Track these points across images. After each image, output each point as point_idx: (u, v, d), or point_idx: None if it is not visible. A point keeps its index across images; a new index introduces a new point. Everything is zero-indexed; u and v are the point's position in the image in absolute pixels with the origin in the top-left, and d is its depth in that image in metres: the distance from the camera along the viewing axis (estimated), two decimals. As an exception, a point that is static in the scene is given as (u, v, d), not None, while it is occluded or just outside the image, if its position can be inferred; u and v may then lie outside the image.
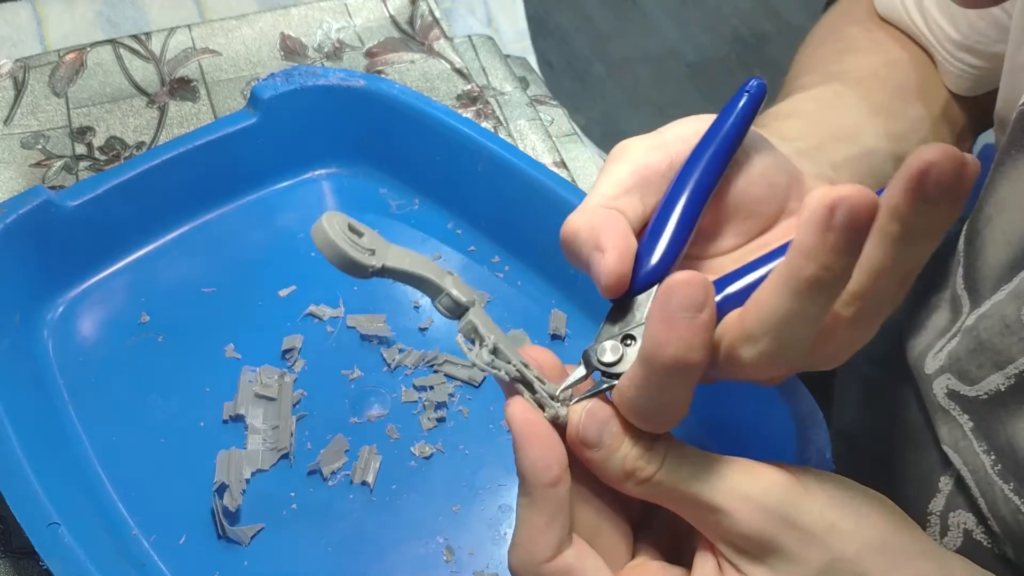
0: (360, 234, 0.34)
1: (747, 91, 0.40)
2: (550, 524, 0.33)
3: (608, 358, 0.36)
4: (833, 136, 0.50)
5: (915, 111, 0.57)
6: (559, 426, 0.35)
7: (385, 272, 0.34)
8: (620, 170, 0.39)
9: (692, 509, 0.34)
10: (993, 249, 0.50)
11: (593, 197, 0.39)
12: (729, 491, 0.33)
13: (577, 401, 0.36)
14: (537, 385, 0.35)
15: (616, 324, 0.37)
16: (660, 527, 0.38)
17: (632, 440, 0.34)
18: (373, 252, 0.34)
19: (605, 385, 0.36)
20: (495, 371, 0.35)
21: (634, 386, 0.33)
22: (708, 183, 0.39)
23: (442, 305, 0.36)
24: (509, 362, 0.35)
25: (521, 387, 0.35)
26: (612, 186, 0.39)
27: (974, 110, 0.62)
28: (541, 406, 0.35)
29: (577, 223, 0.38)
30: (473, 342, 0.36)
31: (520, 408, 0.34)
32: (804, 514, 0.33)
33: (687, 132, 0.40)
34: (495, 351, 0.35)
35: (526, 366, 0.36)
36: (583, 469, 0.35)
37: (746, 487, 0.33)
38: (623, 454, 0.34)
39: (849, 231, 0.28)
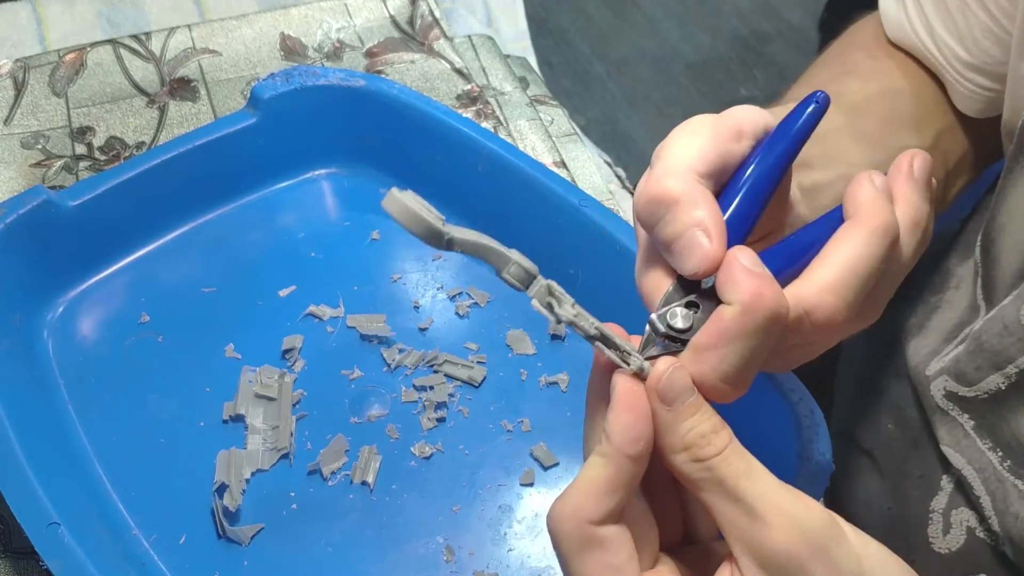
0: (428, 209, 0.35)
1: (815, 101, 0.40)
2: (612, 491, 0.33)
3: (680, 324, 0.35)
4: (811, 158, 0.49)
5: (901, 141, 0.56)
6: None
7: (454, 243, 0.35)
8: (705, 147, 0.38)
9: (731, 508, 0.33)
10: (1006, 258, 0.50)
11: (681, 163, 0.37)
12: (776, 504, 0.33)
13: (654, 358, 0.35)
14: (619, 341, 0.35)
15: (677, 293, 0.37)
16: (686, 558, 0.37)
17: (703, 414, 0.34)
18: (444, 222, 0.35)
19: (673, 350, 0.35)
20: (581, 325, 0.35)
21: (721, 343, 0.34)
22: (771, 184, 0.39)
23: (510, 275, 0.36)
24: (575, 323, 0.35)
25: (601, 344, 0.35)
26: (699, 160, 0.37)
27: (984, 136, 0.60)
28: (624, 361, 0.35)
29: (676, 191, 0.36)
30: (551, 306, 0.36)
31: (625, 377, 0.34)
32: (842, 553, 0.33)
33: (757, 127, 0.39)
34: (573, 319, 0.35)
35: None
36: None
37: (793, 508, 0.33)
38: (691, 424, 0.34)
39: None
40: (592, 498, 0.33)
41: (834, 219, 0.38)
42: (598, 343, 0.35)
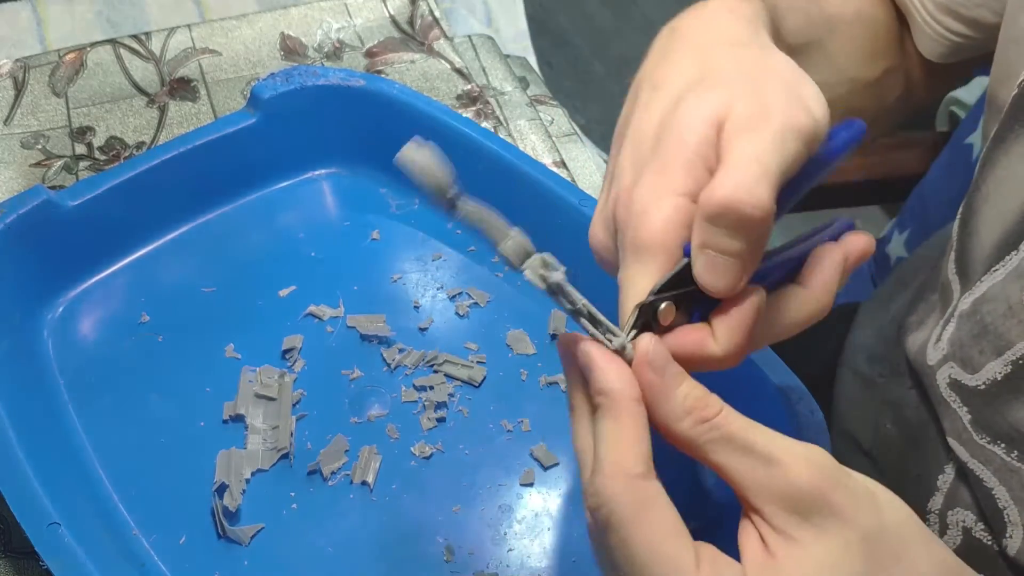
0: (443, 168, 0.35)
1: (856, 132, 0.41)
2: (642, 438, 0.33)
3: (666, 320, 0.37)
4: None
5: (853, 71, 0.56)
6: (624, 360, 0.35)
7: (458, 206, 0.35)
8: (791, 163, 0.37)
9: (747, 460, 0.33)
10: (987, 229, 0.49)
11: (772, 180, 0.36)
12: (786, 447, 0.33)
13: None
14: (604, 319, 0.36)
15: (667, 286, 0.37)
16: None
17: (691, 381, 0.35)
18: (456, 186, 0.35)
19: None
20: (569, 294, 0.36)
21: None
22: (790, 203, 0.40)
23: (506, 249, 0.36)
24: (574, 302, 0.36)
25: (586, 322, 0.36)
26: (779, 177, 0.36)
27: (931, 82, 0.61)
28: (608, 340, 0.35)
29: (764, 223, 0.36)
30: (544, 278, 0.36)
31: (597, 344, 0.35)
32: (852, 479, 0.33)
33: (823, 134, 0.39)
34: (563, 285, 0.36)
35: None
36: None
37: (802, 449, 0.33)
38: (686, 390, 0.34)
39: None
40: (628, 454, 0.33)
41: (798, 257, 0.40)
42: (583, 319, 0.36)
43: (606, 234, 0.41)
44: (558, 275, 0.35)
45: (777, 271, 0.40)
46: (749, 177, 0.35)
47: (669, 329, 0.37)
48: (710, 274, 0.36)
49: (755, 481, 0.33)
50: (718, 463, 0.34)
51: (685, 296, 0.37)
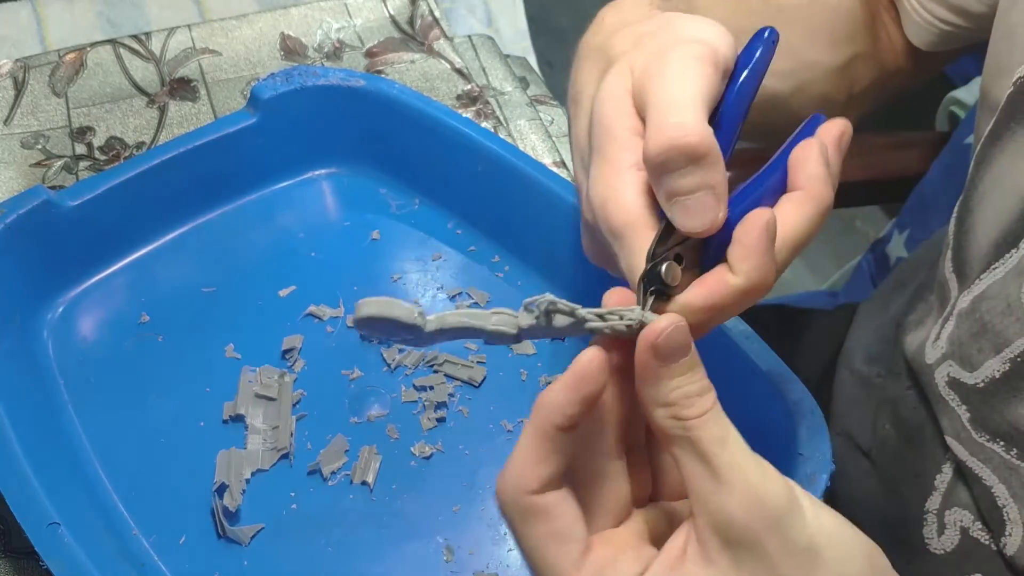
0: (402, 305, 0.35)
1: (767, 41, 0.41)
2: (546, 459, 0.34)
3: (671, 280, 0.36)
4: None
5: (815, 55, 0.56)
6: (629, 336, 0.35)
7: (429, 321, 0.36)
8: (709, 86, 0.37)
9: (699, 470, 0.33)
10: (984, 227, 0.49)
11: (696, 104, 0.36)
12: (742, 475, 0.33)
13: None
14: (604, 310, 0.35)
15: (660, 245, 0.37)
16: (651, 515, 0.37)
17: (695, 374, 0.34)
18: (421, 314, 0.35)
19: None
20: (582, 317, 0.35)
21: (715, 311, 0.36)
22: (741, 122, 0.40)
23: (497, 324, 0.36)
24: (574, 311, 0.35)
25: (594, 321, 0.35)
26: (706, 100, 0.37)
27: (916, 69, 0.61)
28: (626, 325, 0.35)
29: (704, 145, 0.35)
30: (537, 317, 0.35)
31: (590, 351, 0.34)
32: (796, 529, 0.33)
33: (729, 61, 0.40)
34: (555, 300, 0.35)
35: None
36: (622, 409, 0.36)
37: (757, 480, 0.33)
38: (679, 383, 0.34)
39: None
40: (527, 469, 0.34)
41: (780, 168, 0.39)
42: (591, 321, 0.35)
43: (592, 243, 0.42)
44: (545, 296, 0.35)
45: (767, 193, 0.39)
46: (670, 115, 0.35)
47: (681, 289, 0.37)
48: (687, 218, 0.36)
49: (699, 492, 0.33)
50: (675, 456, 0.34)
51: (689, 252, 0.37)
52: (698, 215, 0.36)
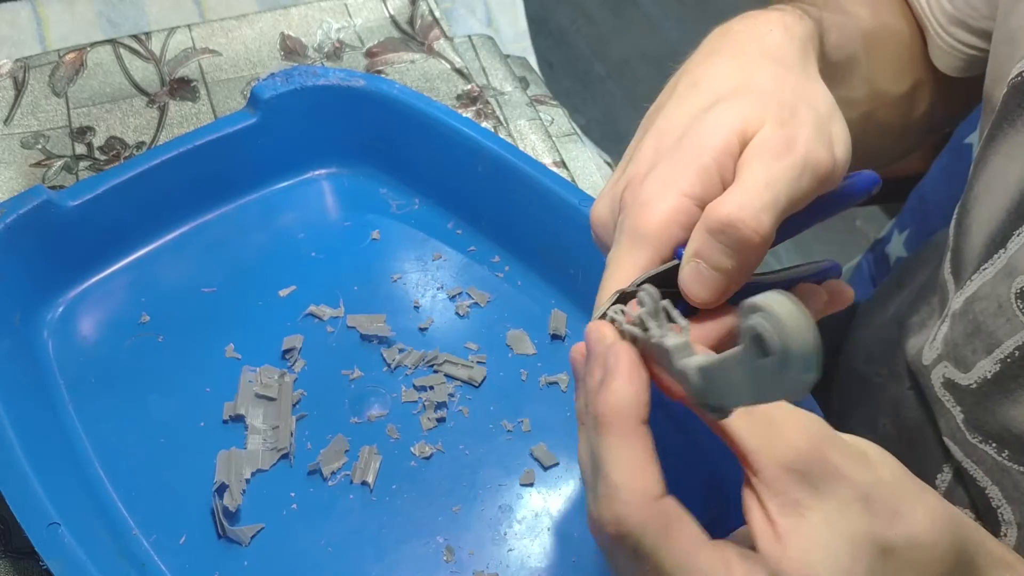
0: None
1: (872, 184, 0.42)
2: (650, 459, 0.33)
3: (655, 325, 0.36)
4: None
5: (881, 84, 0.56)
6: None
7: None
8: (800, 200, 0.38)
9: (747, 422, 0.33)
10: (978, 228, 0.50)
11: (778, 211, 0.37)
12: (782, 411, 0.34)
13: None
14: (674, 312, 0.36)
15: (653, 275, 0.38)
16: None
17: None
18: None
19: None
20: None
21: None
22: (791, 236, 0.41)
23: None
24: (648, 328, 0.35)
25: (654, 322, 0.35)
26: (792, 209, 0.38)
27: (950, 100, 0.60)
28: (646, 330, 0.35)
29: (758, 248, 0.36)
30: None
31: (624, 345, 0.34)
32: (842, 439, 0.34)
33: (838, 175, 0.40)
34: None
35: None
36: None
37: (794, 412, 0.34)
38: None
39: None
40: (643, 475, 0.32)
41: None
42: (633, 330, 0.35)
43: (608, 212, 0.41)
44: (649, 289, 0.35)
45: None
46: (757, 201, 0.35)
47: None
48: (695, 283, 0.37)
49: (757, 443, 0.33)
50: (726, 427, 0.34)
51: (664, 296, 0.37)
52: (705, 287, 0.37)
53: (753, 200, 0.36)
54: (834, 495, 0.33)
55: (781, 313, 0.26)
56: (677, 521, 0.32)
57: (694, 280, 0.37)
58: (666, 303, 0.35)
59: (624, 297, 0.37)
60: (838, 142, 0.39)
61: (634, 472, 0.32)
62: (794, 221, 0.39)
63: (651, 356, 0.35)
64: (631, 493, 0.32)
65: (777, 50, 0.43)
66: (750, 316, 0.27)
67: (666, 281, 0.37)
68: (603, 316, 0.37)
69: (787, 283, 0.41)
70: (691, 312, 0.38)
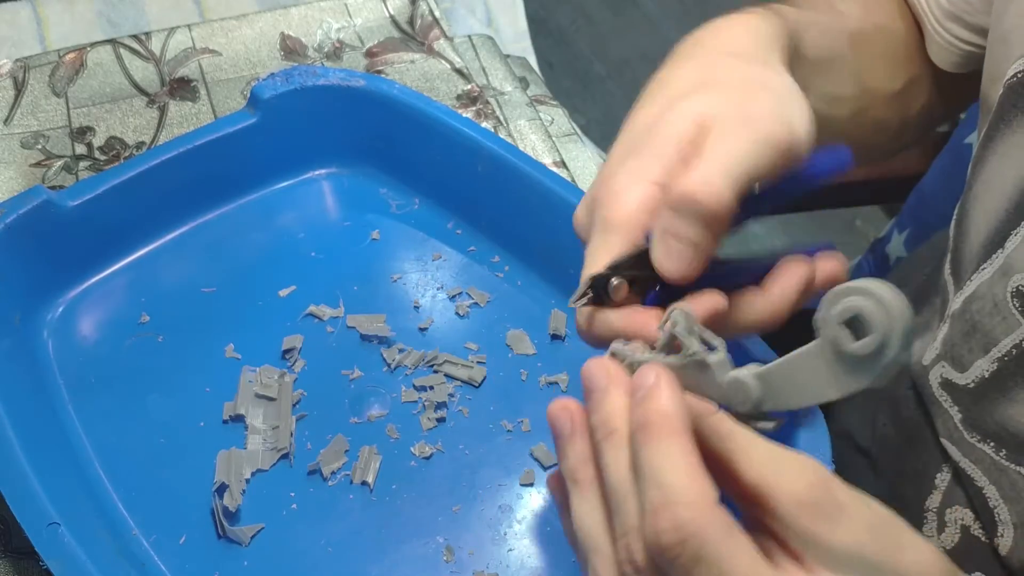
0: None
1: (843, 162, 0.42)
2: (702, 466, 0.32)
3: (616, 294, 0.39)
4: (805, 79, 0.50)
5: (873, 82, 0.56)
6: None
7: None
8: (758, 169, 0.39)
9: (762, 454, 0.33)
10: (976, 229, 0.50)
11: (735, 181, 0.38)
12: (780, 453, 0.34)
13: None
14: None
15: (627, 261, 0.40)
16: None
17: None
18: None
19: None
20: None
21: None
22: (765, 211, 0.43)
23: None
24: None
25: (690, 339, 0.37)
26: (749, 179, 0.39)
27: (948, 95, 0.60)
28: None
29: (716, 213, 0.38)
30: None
31: (652, 366, 0.35)
32: (837, 481, 0.34)
33: (802, 143, 0.41)
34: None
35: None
36: None
37: (790, 453, 0.34)
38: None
39: None
40: (700, 481, 0.31)
41: (767, 267, 0.41)
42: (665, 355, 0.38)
43: (586, 214, 0.43)
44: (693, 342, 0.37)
45: (745, 275, 0.41)
46: (715, 174, 0.38)
47: (619, 307, 0.39)
48: (666, 258, 0.38)
49: (773, 480, 0.33)
50: (729, 452, 0.34)
51: (642, 280, 0.39)
52: (675, 261, 0.38)
53: (711, 172, 0.38)
54: (847, 528, 0.33)
55: (881, 292, 0.26)
56: (738, 530, 0.31)
57: (665, 256, 0.38)
58: (699, 326, 0.37)
59: (597, 282, 0.39)
60: (797, 117, 0.41)
61: (693, 474, 0.31)
62: (769, 195, 0.40)
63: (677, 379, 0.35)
64: (694, 495, 0.31)
65: (738, 46, 0.45)
66: (842, 300, 0.27)
67: (643, 266, 0.39)
68: (608, 352, 0.39)
69: (774, 262, 0.41)
70: (676, 294, 0.39)
